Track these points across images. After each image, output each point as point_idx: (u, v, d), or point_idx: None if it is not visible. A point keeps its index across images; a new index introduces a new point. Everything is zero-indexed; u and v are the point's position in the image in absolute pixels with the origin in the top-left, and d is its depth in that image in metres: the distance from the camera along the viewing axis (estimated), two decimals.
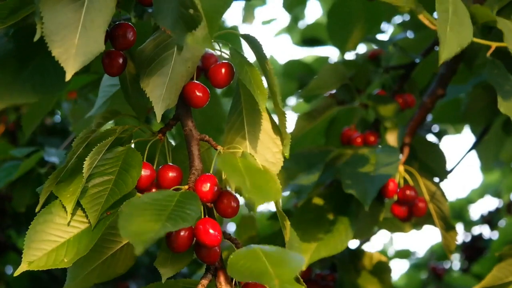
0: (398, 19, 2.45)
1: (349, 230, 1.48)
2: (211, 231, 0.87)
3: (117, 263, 0.99)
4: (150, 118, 1.94)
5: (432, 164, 1.77)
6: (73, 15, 0.84)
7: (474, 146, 2.13)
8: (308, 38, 2.83)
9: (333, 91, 1.81)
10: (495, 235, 3.51)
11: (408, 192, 1.53)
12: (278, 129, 1.04)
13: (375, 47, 2.04)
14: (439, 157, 1.79)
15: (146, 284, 0.96)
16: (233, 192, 0.95)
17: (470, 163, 8.32)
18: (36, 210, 0.95)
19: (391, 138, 1.66)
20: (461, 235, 3.58)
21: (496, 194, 3.83)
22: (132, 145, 1.01)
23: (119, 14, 1.05)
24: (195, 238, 0.89)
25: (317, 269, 1.77)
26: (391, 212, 1.58)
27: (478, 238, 3.50)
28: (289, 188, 1.62)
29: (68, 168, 0.97)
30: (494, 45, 1.34)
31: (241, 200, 0.97)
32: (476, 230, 3.62)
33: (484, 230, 3.57)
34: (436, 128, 2.79)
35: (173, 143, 1.19)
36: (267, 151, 1.04)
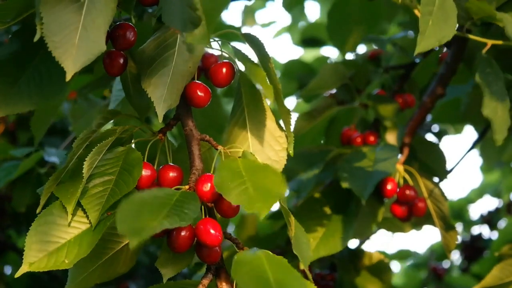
0: (398, 19, 2.44)
1: (349, 230, 1.47)
2: (211, 231, 0.87)
3: (118, 263, 0.99)
4: (151, 118, 1.94)
5: (432, 164, 1.77)
6: (73, 15, 0.84)
7: (474, 146, 2.12)
8: (308, 38, 2.83)
9: (333, 91, 1.81)
10: (494, 235, 3.51)
11: (407, 192, 1.53)
12: (281, 127, 1.04)
13: (375, 47, 2.05)
14: (439, 157, 1.79)
15: (146, 284, 0.96)
16: None
17: (470, 163, 8.32)
18: (37, 211, 0.94)
19: (391, 138, 1.66)
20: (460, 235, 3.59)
21: (496, 194, 3.82)
22: (133, 145, 1.01)
23: (120, 15, 1.06)
24: (196, 238, 0.90)
25: (316, 269, 1.77)
26: (390, 212, 1.58)
27: (477, 238, 3.49)
28: (289, 187, 1.62)
29: (69, 169, 0.97)
30: (490, 42, 1.34)
31: None
32: (476, 230, 3.62)
33: (484, 230, 3.57)
34: (436, 128, 2.78)
35: (174, 143, 1.19)
36: (270, 149, 1.04)
